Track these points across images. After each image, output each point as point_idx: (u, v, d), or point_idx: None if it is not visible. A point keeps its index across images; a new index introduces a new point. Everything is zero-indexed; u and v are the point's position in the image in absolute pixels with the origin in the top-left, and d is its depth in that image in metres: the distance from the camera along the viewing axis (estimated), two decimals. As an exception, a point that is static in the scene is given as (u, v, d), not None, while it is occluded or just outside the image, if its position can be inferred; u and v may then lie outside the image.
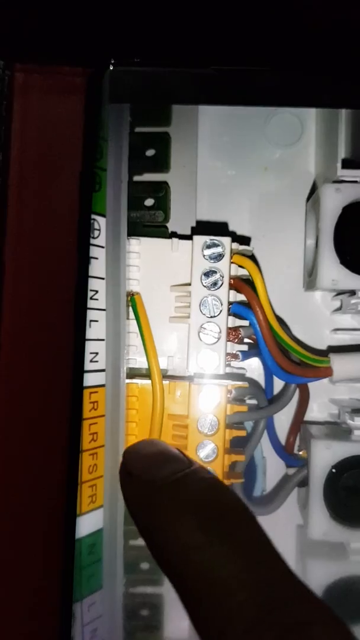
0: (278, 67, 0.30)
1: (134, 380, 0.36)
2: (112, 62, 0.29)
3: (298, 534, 0.43)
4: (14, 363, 0.29)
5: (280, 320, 0.38)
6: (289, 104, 0.40)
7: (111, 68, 0.29)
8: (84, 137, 0.29)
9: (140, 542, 0.38)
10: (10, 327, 0.29)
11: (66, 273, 0.29)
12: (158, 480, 0.23)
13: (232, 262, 0.36)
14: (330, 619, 0.17)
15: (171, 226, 0.39)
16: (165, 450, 0.26)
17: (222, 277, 0.35)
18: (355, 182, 0.37)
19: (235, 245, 0.36)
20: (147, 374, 0.36)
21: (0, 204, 0.29)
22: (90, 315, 0.33)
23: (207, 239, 0.35)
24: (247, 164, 0.43)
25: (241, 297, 0.36)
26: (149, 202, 0.38)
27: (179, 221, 0.40)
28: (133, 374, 0.37)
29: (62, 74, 0.29)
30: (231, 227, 0.43)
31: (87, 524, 0.33)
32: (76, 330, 0.29)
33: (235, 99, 0.34)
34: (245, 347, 0.37)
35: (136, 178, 0.38)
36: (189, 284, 0.36)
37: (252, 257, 0.38)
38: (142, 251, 0.37)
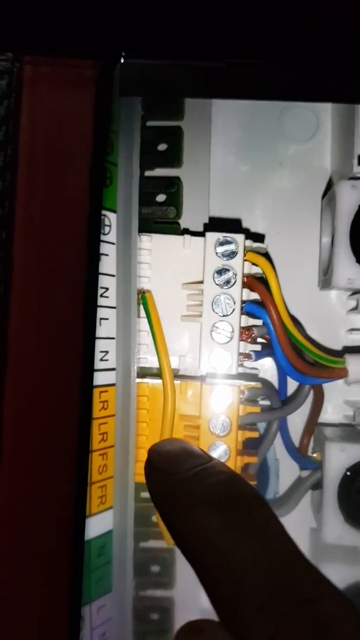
0: (292, 61, 0.29)
1: (145, 380, 0.36)
2: (123, 54, 0.28)
3: (311, 537, 0.42)
4: (23, 361, 0.29)
5: (294, 320, 0.38)
6: (304, 98, 0.39)
7: (122, 61, 0.29)
8: (95, 130, 0.28)
9: (150, 544, 0.38)
10: (18, 324, 0.28)
11: (76, 269, 0.28)
12: (180, 473, 0.24)
13: (245, 260, 0.35)
14: (337, 596, 0.19)
15: (183, 222, 0.39)
16: (187, 447, 0.28)
17: (235, 275, 0.35)
18: (372, 178, 0.37)
19: (248, 243, 0.35)
20: (158, 374, 0.35)
21: (9, 199, 0.28)
22: (101, 313, 0.33)
23: (220, 236, 0.35)
24: (261, 160, 0.42)
25: (254, 296, 0.36)
26: (161, 197, 0.38)
27: (191, 217, 0.39)
28: (144, 373, 0.36)
29: (71, 66, 0.28)
30: (245, 224, 0.42)
31: (96, 526, 0.33)
32: (86, 328, 0.28)
33: (249, 93, 0.34)
34: (258, 347, 0.36)
35: (148, 173, 0.38)
36: (201, 282, 0.35)
37: (266, 255, 0.37)
38: (153, 248, 0.36)
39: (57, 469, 0.29)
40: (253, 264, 0.36)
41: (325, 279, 0.39)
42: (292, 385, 0.40)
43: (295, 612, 0.18)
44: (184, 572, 0.39)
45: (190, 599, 0.39)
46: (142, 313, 0.35)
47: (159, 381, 0.35)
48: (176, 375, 0.36)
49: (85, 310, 0.29)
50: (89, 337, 0.29)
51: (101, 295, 0.33)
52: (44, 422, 0.29)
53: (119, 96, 0.31)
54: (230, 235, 0.35)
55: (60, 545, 0.29)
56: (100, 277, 0.32)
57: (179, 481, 0.24)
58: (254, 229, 0.42)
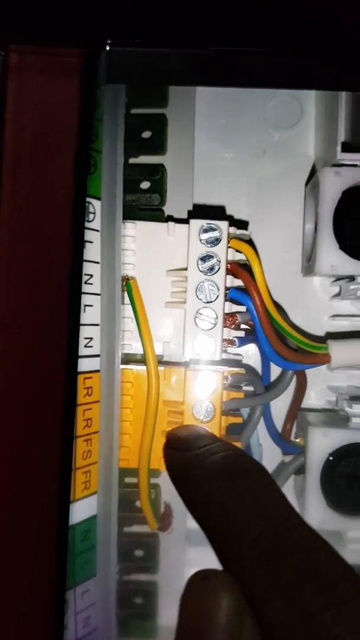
0: (276, 49, 0.29)
1: (129, 366, 0.36)
2: (109, 42, 0.28)
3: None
4: (8, 349, 0.29)
5: (277, 306, 0.38)
6: (288, 86, 0.39)
7: (107, 49, 0.29)
8: (79, 118, 0.28)
9: (134, 529, 0.39)
10: (4, 311, 0.28)
11: (61, 256, 0.28)
12: (193, 451, 0.28)
13: (229, 247, 0.35)
14: (328, 548, 0.21)
15: (167, 210, 0.39)
16: (199, 430, 0.32)
17: (219, 261, 0.35)
18: (355, 165, 0.37)
19: (232, 230, 0.36)
20: (142, 360, 0.35)
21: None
22: (85, 299, 0.33)
23: (204, 222, 0.35)
24: (245, 147, 0.42)
25: (238, 283, 0.36)
26: (145, 185, 0.38)
27: (175, 205, 0.39)
28: (128, 359, 0.36)
29: (57, 54, 0.28)
30: (229, 211, 0.42)
31: (80, 511, 0.33)
32: (70, 315, 0.29)
33: (233, 80, 0.34)
34: (242, 333, 0.36)
35: (132, 160, 0.38)
36: (185, 269, 0.35)
37: (250, 242, 0.37)
38: (137, 235, 0.36)
39: (42, 455, 0.29)
40: (237, 250, 0.36)
41: (309, 265, 0.39)
42: (275, 371, 0.40)
43: (289, 560, 0.20)
44: (168, 556, 0.39)
45: (174, 583, 0.39)
46: (127, 300, 0.35)
47: (143, 367, 0.35)
48: (160, 361, 0.36)
49: (69, 296, 0.29)
50: (74, 324, 0.29)
51: (85, 282, 0.33)
52: (29, 408, 0.29)
53: (104, 84, 0.31)
54: (214, 222, 0.35)
55: (45, 531, 0.29)
56: (85, 264, 0.32)
57: (192, 457, 0.27)
58: (237, 216, 0.42)
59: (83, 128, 0.29)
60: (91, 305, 0.33)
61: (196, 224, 0.35)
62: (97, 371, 0.34)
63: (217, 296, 0.35)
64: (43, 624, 0.29)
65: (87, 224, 0.33)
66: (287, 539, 0.21)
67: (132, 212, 0.37)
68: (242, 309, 0.36)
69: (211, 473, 0.26)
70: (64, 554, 0.29)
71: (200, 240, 0.35)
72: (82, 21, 0.29)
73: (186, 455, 0.28)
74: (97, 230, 0.33)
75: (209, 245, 0.35)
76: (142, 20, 0.29)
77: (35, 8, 0.28)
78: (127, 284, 0.35)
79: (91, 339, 0.33)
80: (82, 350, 0.33)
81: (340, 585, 0.20)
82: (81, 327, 0.32)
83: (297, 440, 0.41)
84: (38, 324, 0.29)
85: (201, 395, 0.35)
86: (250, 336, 0.37)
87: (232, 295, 0.36)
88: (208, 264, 0.35)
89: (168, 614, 0.39)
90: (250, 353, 0.41)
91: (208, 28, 0.29)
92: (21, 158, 0.28)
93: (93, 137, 0.32)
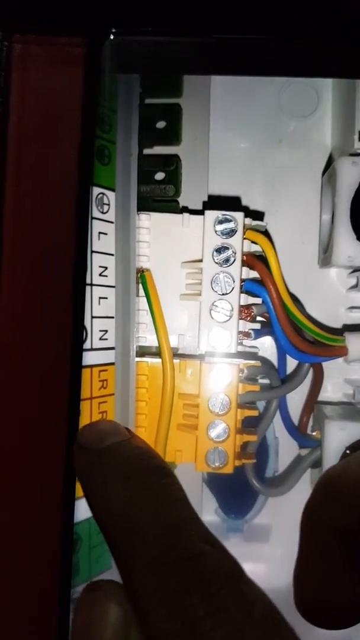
0: (282, 36, 0.29)
1: (144, 359, 0.36)
2: (113, 31, 0.28)
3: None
4: (12, 341, 0.29)
5: (294, 298, 0.38)
6: (304, 74, 0.39)
7: (111, 37, 0.28)
8: (83, 108, 0.28)
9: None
10: (8, 303, 0.28)
11: (66, 247, 0.28)
12: (98, 450, 0.26)
13: (244, 238, 0.35)
14: (218, 553, 0.20)
15: (182, 201, 0.38)
16: (111, 426, 0.29)
17: (235, 253, 0.34)
18: (373, 154, 0.36)
19: (248, 221, 0.35)
20: (157, 352, 0.35)
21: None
22: (100, 292, 0.32)
23: (219, 214, 0.35)
24: (261, 136, 0.42)
25: (254, 274, 0.36)
26: (160, 175, 0.37)
27: (190, 196, 0.39)
28: (143, 352, 0.36)
29: (61, 44, 0.28)
30: (244, 202, 0.42)
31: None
32: (75, 305, 0.28)
33: (238, 68, 0.33)
34: (257, 326, 0.36)
35: (146, 151, 0.38)
36: (201, 261, 0.35)
37: (266, 233, 0.37)
38: (152, 227, 0.36)
39: (47, 451, 0.29)
40: (252, 242, 0.35)
41: (325, 256, 0.39)
42: (291, 363, 0.40)
43: (177, 567, 0.20)
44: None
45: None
46: (141, 292, 0.35)
47: (158, 360, 0.35)
48: (175, 354, 0.36)
49: (73, 287, 0.29)
50: (78, 315, 0.29)
51: (100, 275, 0.33)
52: (33, 404, 0.29)
53: (114, 73, 0.30)
54: (229, 213, 0.35)
55: (50, 528, 0.29)
56: (100, 256, 0.32)
57: (96, 457, 0.26)
58: (253, 206, 0.42)
59: (87, 117, 0.28)
60: (106, 298, 0.33)
61: (211, 215, 0.35)
62: (112, 364, 0.34)
63: (233, 288, 0.35)
64: (49, 620, 0.29)
65: (101, 216, 0.32)
66: (178, 544, 0.21)
67: (147, 204, 0.37)
68: (258, 301, 0.36)
69: (111, 474, 0.25)
70: (69, 551, 0.29)
71: (216, 231, 0.34)
72: (86, 10, 0.28)
73: (90, 455, 0.26)
74: (112, 222, 0.33)
75: (224, 237, 0.34)
76: (145, 8, 0.29)
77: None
78: (142, 276, 0.35)
79: (106, 331, 0.33)
80: (97, 343, 0.33)
81: (222, 591, 0.19)
82: (95, 320, 0.32)
83: (314, 433, 0.41)
84: (42, 313, 0.29)
85: (217, 388, 0.35)
86: (266, 328, 0.37)
87: (247, 287, 0.35)
88: (223, 255, 0.34)
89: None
90: (266, 345, 0.41)
91: (212, 16, 0.29)
92: (25, 147, 0.28)
93: (107, 127, 0.32)
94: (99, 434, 0.28)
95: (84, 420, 0.32)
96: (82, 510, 0.32)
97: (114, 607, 0.21)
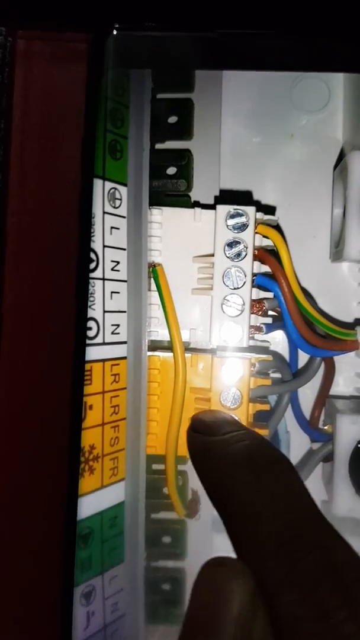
0: (284, 30, 0.28)
1: (156, 353, 0.36)
2: (116, 26, 0.28)
3: (322, 510, 0.42)
4: (16, 336, 0.29)
5: (305, 292, 0.38)
6: (314, 69, 0.39)
7: (115, 33, 0.28)
8: (87, 103, 0.28)
9: (161, 515, 0.39)
10: (12, 301, 0.28)
11: (69, 240, 0.28)
12: (217, 436, 0.27)
13: (256, 233, 0.35)
14: (349, 549, 0.21)
15: (194, 195, 0.38)
16: (225, 416, 0.32)
17: (246, 247, 0.34)
18: (385, 148, 0.36)
19: (259, 215, 0.35)
20: (169, 347, 0.35)
21: (2, 173, 0.28)
22: (112, 286, 0.33)
23: (230, 208, 0.35)
24: (272, 131, 0.42)
25: (265, 269, 0.36)
26: (171, 170, 0.37)
27: (202, 190, 0.39)
28: (155, 346, 0.36)
29: (64, 40, 0.28)
30: (256, 196, 0.42)
31: (108, 497, 0.33)
32: (78, 300, 0.28)
33: (242, 63, 0.33)
34: (269, 320, 0.36)
35: (158, 146, 0.38)
36: (212, 255, 0.35)
37: (277, 227, 0.37)
38: (164, 221, 0.36)
39: (50, 447, 0.29)
40: (264, 236, 0.35)
41: (337, 251, 0.39)
42: (303, 357, 0.40)
43: (308, 555, 0.20)
44: (195, 543, 0.39)
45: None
46: (153, 286, 0.35)
47: (170, 354, 0.35)
48: (187, 348, 0.36)
49: (77, 281, 0.29)
50: (81, 311, 0.29)
51: (112, 269, 0.33)
52: (36, 400, 0.29)
53: (117, 69, 0.30)
54: (241, 208, 0.35)
55: (54, 523, 0.29)
56: (112, 251, 0.32)
57: (215, 442, 0.27)
58: (265, 201, 0.42)
59: (90, 112, 0.28)
60: (118, 292, 0.33)
61: (223, 209, 0.35)
62: (124, 358, 0.34)
63: (244, 282, 0.35)
64: (52, 617, 0.29)
65: (113, 210, 0.32)
66: (307, 533, 0.21)
67: (159, 198, 0.37)
68: (270, 295, 0.36)
69: (234, 460, 0.25)
70: (72, 547, 0.29)
71: (227, 226, 0.35)
72: (89, 6, 0.28)
73: (210, 439, 0.28)
74: (124, 217, 0.33)
75: (235, 231, 0.35)
76: (148, 3, 0.29)
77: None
78: (154, 270, 0.35)
79: (118, 325, 0.33)
80: (109, 337, 0.33)
81: (357, 584, 0.19)
82: (108, 314, 0.32)
83: (325, 427, 0.41)
84: (45, 309, 0.29)
85: (228, 382, 0.35)
86: (278, 323, 0.37)
87: (259, 282, 0.35)
88: (235, 250, 0.35)
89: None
90: (278, 340, 0.41)
91: (214, 10, 0.29)
92: (29, 144, 0.28)
93: (119, 123, 0.32)
94: (215, 422, 0.30)
95: (95, 414, 0.32)
96: (94, 504, 0.32)
97: (242, 585, 0.21)
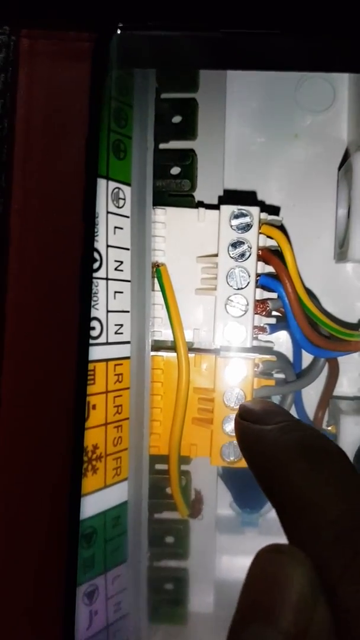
0: (289, 30, 0.28)
1: (159, 353, 0.36)
2: (120, 26, 0.28)
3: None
4: (20, 336, 0.29)
5: (309, 293, 0.38)
6: (319, 69, 0.39)
7: (119, 32, 0.28)
8: (90, 102, 0.28)
9: (165, 515, 0.39)
10: (16, 298, 0.28)
11: (73, 240, 0.28)
12: (269, 425, 0.27)
13: (260, 233, 0.35)
14: None
15: (198, 195, 0.38)
16: (274, 406, 0.31)
17: (250, 248, 0.34)
18: (390, 149, 0.36)
19: (263, 215, 0.35)
20: (172, 347, 0.35)
21: (6, 172, 0.28)
22: (115, 286, 0.33)
23: (234, 208, 0.35)
24: (277, 131, 0.42)
25: (269, 269, 0.36)
26: (175, 170, 0.37)
27: (206, 190, 0.39)
28: (158, 346, 0.36)
29: (68, 39, 0.28)
30: (260, 196, 0.42)
31: (111, 497, 0.33)
32: (81, 301, 0.28)
33: (247, 63, 0.33)
34: (273, 320, 0.36)
35: (162, 146, 0.37)
36: (216, 255, 0.35)
37: (281, 228, 0.37)
38: (167, 221, 0.36)
39: (53, 447, 0.29)
40: (268, 236, 0.35)
41: (342, 251, 0.39)
42: (307, 358, 0.40)
43: None
44: (198, 543, 0.39)
45: (204, 570, 0.39)
46: (157, 286, 0.35)
47: (174, 354, 0.35)
48: (190, 348, 0.36)
49: (81, 281, 0.29)
50: (85, 310, 0.29)
51: (116, 269, 0.33)
52: (40, 400, 0.29)
53: (121, 68, 0.30)
54: (245, 208, 0.35)
55: (57, 524, 0.29)
56: (115, 251, 0.32)
57: (268, 431, 0.27)
58: (269, 201, 0.42)
59: (93, 112, 0.28)
60: (121, 292, 0.33)
61: (227, 209, 0.35)
62: (128, 358, 0.34)
63: (248, 283, 0.35)
64: (55, 616, 0.29)
65: (117, 210, 0.32)
66: None
67: (162, 198, 0.37)
68: (274, 295, 0.36)
69: (289, 449, 0.25)
70: (75, 546, 0.29)
71: (231, 226, 0.34)
72: (93, 5, 0.28)
73: (263, 428, 0.27)
74: (127, 217, 0.33)
75: (239, 231, 0.34)
76: (153, 3, 0.29)
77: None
78: (157, 270, 0.35)
79: (121, 325, 0.33)
80: (113, 337, 0.33)
81: None
82: (111, 314, 0.32)
83: (329, 428, 0.41)
84: (49, 309, 0.29)
85: (232, 383, 0.35)
86: (282, 323, 0.36)
87: (263, 282, 0.35)
88: (239, 250, 0.34)
89: (198, 600, 0.39)
90: (282, 340, 0.41)
91: (219, 10, 0.29)
92: (32, 143, 0.28)
93: (122, 122, 0.32)
94: (265, 411, 0.29)
95: (98, 414, 0.32)
96: (97, 504, 0.32)
97: (302, 573, 0.20)
